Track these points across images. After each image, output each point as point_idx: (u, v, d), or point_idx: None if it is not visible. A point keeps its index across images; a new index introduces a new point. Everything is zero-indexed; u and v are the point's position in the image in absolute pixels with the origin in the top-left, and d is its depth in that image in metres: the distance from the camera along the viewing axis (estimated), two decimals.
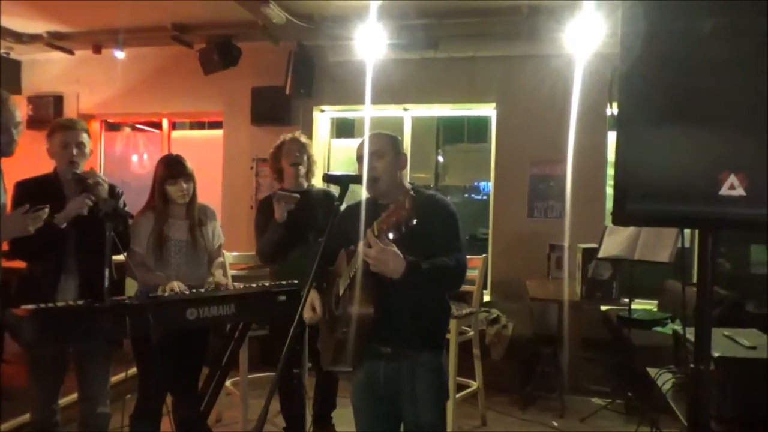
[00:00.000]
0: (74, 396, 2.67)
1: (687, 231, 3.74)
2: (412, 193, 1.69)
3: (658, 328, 4.05)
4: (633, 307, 3.87)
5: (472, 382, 3.65)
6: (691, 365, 1.42)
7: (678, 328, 2.69)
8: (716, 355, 1.79)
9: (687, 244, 3.79)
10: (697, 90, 1.27)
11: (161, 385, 2.62)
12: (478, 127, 13.94)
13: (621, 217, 1.33)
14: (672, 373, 2.25)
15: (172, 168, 2.65)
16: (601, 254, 3.76)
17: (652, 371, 2.38)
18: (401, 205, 1.66)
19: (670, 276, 4.56)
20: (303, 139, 3.10)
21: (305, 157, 3.06)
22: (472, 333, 3.61)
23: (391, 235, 1.72)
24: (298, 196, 2.86)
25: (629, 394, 3.77)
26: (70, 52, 5.42)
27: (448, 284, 2.04)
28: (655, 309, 4.56)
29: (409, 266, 1.77)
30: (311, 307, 2.04)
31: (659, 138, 1.30)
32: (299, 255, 2.91)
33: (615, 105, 1.36)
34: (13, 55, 5.59)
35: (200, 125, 6.88)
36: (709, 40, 1.25)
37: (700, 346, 1.40)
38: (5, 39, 5.08)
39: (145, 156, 6.01)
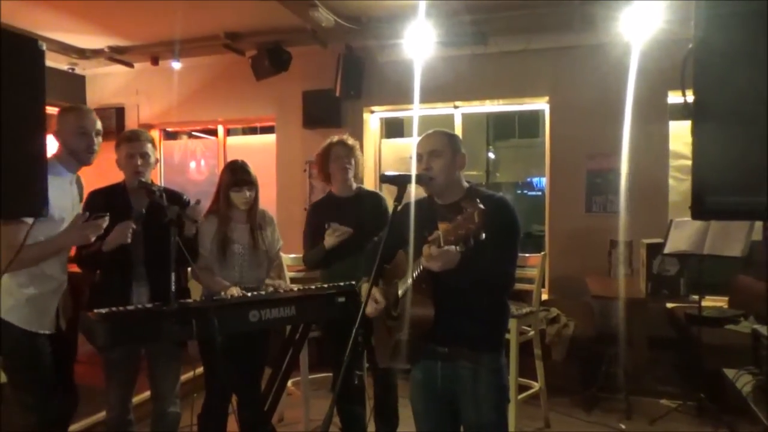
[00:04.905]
0: (146, 395, 2.77)
1: (756, 224, 3.55)
2: (480, 205, 1.61)
3: (731, 326, 3.86)
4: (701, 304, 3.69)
5: (534, 383, 3.57)
6: None
7: (757, 326, 2.54)
8: None
9: (757, 238, 3.60)
10: None
11: (226, 385, 2.68)
12: (529, 122, 13.69)
13: (700, 211, 1.25)
14: (752, 375, 2.13)
15: (237, 176, 2.71)
16: (667, 249, 3.60)
17: (729, 372, 2.26)
18: (470, 218, 1.60)
19: (739, 271, 4.33)
20: (350, 141, 3.05)
21: (353, 160, 3.03)
22: (532, 333, 3.53)
23: (457, 248, 1.68)
24: (352, 230, 2.81)
25: (701, 395, 3.60)
26: (130, 65, 5.64)
27: (490, 291, 1.98)
28: (725, 306, 4.34)
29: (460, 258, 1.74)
30: (374, 299, 2.02)
31: (740, 129, 1.23)
32: (342, 263, 2.91)
33: (688, 92, 1.29)
34: (78, 71, 5.87)
35: (252, 130, 7.04)
36: None
37: None
38: (70, 55, 5.34)
39: (203, 162, 6.19)
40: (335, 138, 3.04)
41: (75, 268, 2.57)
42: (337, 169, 2.98)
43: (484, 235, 1.61)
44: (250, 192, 2.72)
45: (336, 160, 2.96)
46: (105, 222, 2.26)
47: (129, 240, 2.39)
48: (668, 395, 3.90)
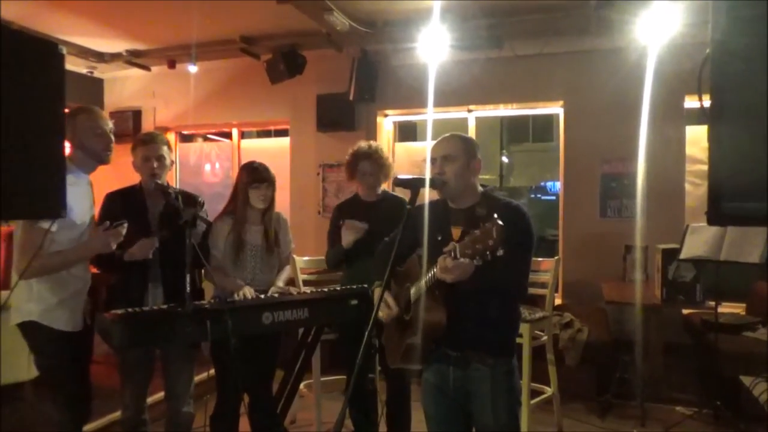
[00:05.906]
0: (160, 395, 2.80)
1: None
2: (499, 221, 1.59)
3: (748, 333, 3.81)
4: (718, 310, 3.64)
5: (547, 388, 3.55)
6: None
7: None
8: None
9: None
10: None
11: (238, 386, 2.69)
12: (543, 125, 13.63)
13: (717, 217, 1.23)
14: None
15: (257, 173, 2.72)
16: (683, 255, 3.57)
17: (746, 379, 2.23)
18: (489, 233, 1.58)
19: (757, 277, 4.26)
20: (379, 154, 3.02)
21: (381, 176, 3.03)
22: (545, 338, 3.51)
23: (474, 261, 1.65)
24: (366, 226, 2.82)
25: (717, 402, 3.55)
26: (147, 68, 5.71)
27: (503, 299, 1.98)
28: (743, 312, 4.28)
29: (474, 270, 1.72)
30: (386, 304, 2.03)
31: (757, 133, 1.21)
32: (363, 264, 2.91)
33: (705, 97, 1.28)
34: (96, 74, 5.96)
35: (266, 134, 7.08)
36: None
37: None
38: (89, 59, 5.41)
39: (217, 165, 6.25)
40: (364, 147, 3.02)
41: (92, 269, 2.60)
42: (361, 184, 3.03)
43: (501, 252, 1.59)
44: (268, 189, 2.73)
45: (363, 176, 3.00)
46: (124, 229, 2.31)
47: (150, 256, 2.46)
48: (684, 402, 3.85)
